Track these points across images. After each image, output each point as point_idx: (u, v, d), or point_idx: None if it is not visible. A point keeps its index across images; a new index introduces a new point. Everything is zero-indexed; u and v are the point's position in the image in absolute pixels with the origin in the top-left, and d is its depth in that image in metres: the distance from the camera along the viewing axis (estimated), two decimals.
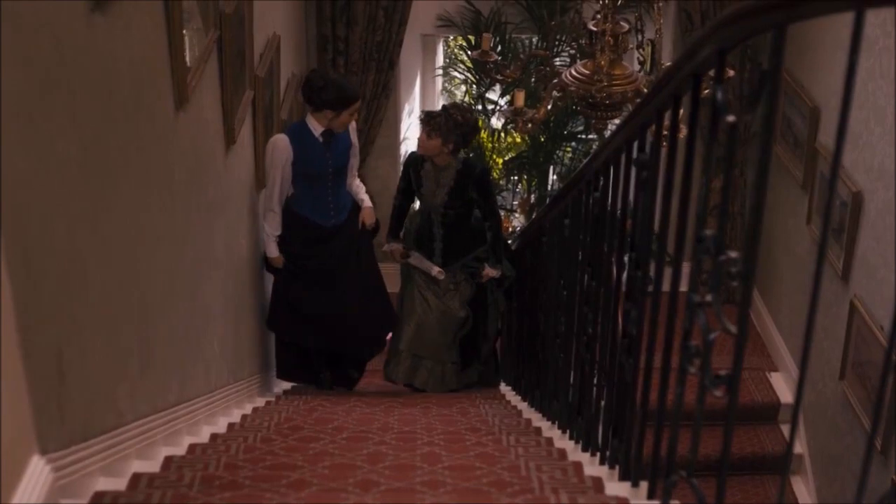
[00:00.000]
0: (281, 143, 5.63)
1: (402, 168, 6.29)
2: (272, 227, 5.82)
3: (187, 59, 3.83)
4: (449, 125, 5.82)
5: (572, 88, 4.89)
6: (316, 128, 5.67)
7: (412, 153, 6.33)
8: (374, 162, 8.03)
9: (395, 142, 8.29)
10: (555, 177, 9.32)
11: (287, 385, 6.67)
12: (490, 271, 6.28)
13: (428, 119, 5.89)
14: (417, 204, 6.51)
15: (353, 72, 7.38)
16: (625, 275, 3.12)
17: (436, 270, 6.27)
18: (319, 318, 6.07)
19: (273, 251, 5.88)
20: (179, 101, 3.80)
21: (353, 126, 5.88)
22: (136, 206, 3.30)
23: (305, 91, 5.63)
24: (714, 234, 2.04)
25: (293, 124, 5.95)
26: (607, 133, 6.23)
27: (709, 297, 2.10)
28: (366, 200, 6.16)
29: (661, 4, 4.95)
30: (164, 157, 3.67)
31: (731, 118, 1.94)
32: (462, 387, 6.53)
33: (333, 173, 5.84)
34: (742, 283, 1.93)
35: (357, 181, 6.18)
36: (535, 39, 8.45)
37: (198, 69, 4.03)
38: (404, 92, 8.37)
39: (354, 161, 6.06)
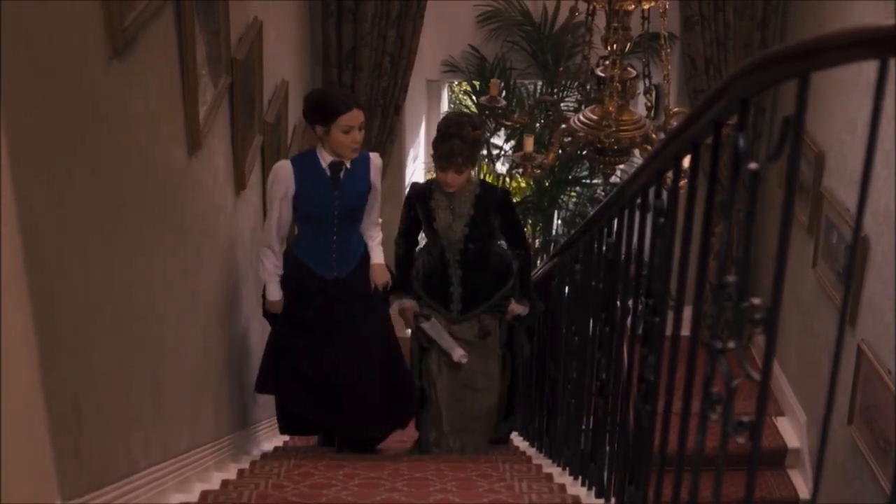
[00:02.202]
0: (282, 173, 4.69)
1: (405, 205, 5.26)
2: (272, 265, 4.88)
3: (200, 105, 3.86)
4: (474, 147, 4.92)
5: (581, 134, 4.92)
6: (324, 157, 4.70)
7: (415, 184, 5.42)
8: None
9: (401, 186, 8.31)
10: (559, 221, 9.34)
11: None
12: (516, 307, 5.27)
13: (452, 157, 4.85)
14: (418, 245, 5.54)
15: None
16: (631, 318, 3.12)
17: (458, 354, 5.18)
18: (319, 385, 5.03)
19: (275, 293, 4.92)
20: (192, 147, 3.82)
21: (375, 164, 4.87)
22: (150, 251, 3.31)
23: (303, 112, 4.78)
24: (736, 280, 2.05)
25: (301, 152, 5.08)
26: (614, 178, 6.26)
27: (731, 344, 2.10)
28: (377, 256, 5.06)
29: (668, 51, 4.98)
30: (177, 202, 3.69)
31: (753, 165, 1.95)
32: (501, 436, 5.74)
33: (340, 217, 4.79)
34: (766, 329, 1.93)
35: (376, 230, 5.08)
36: (539, 84, 8.50)
37: (210, 115, 4.06)
38: (409, 137, 8.41)
39: (375, 206, 4.98)
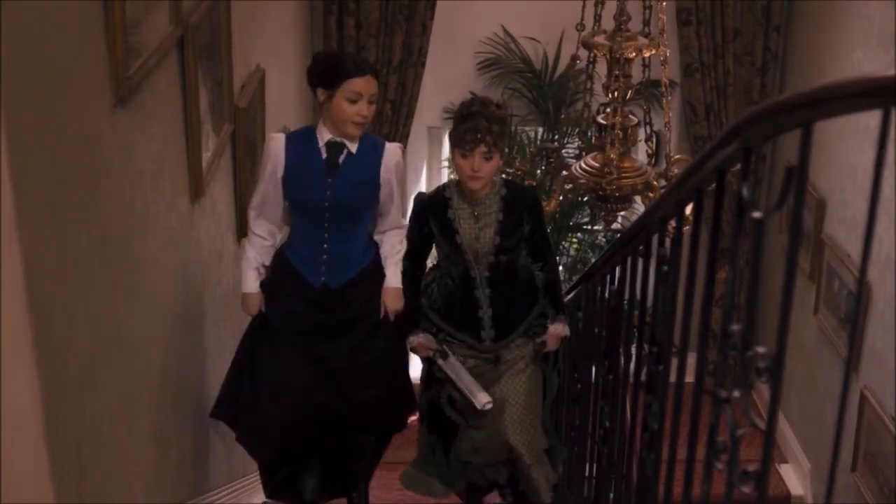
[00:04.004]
0: (273, 147, 3.94)
1: (412, 220, 4.28)
2: (254, 254, 4.06)
3: (203, 153, 3.88)
4: (503, 129, 4.02)
5: (582, 181, 4.93)
6: (322, 134, 3.92)
7: (422, 195, 4.36)
8: None
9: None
10: (560, 267, 9.34)
11: None
12: (558, 329, 4.29)
13: (478, 132, 3.94)
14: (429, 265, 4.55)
15: None
16: (635, 366, 3.11)
17: (482, 400, 4.15)
18: (294, 394, 4.07)
19: (251, 284, 4.05)
20: (195, 195, 3.83)
21: (392, 156, 4.00)
22: (153, 298, 3.31)
23: (308, 74, 3.94)
24: (741, 328, 2.04)
25: (302, 127, 4.23)
26: (616, 225, 6.27)
27: (736, 393, 2.09)
28: (393, 277, 4.17)
29: (669, 98, 5.00)
30: (180, 249, 3.69)
31: (757, 214, 1.95)
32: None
33: (332, 212, 3.93)
34: (771, 379, 1.92)
35: (396, 239, 4.19)
36: (540, 131, 8.53)
37: (213, 163, 4.07)
38: (410, 183, 8.42)
39: (392, 208, 4.11)
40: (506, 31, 8.12)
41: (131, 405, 3.08)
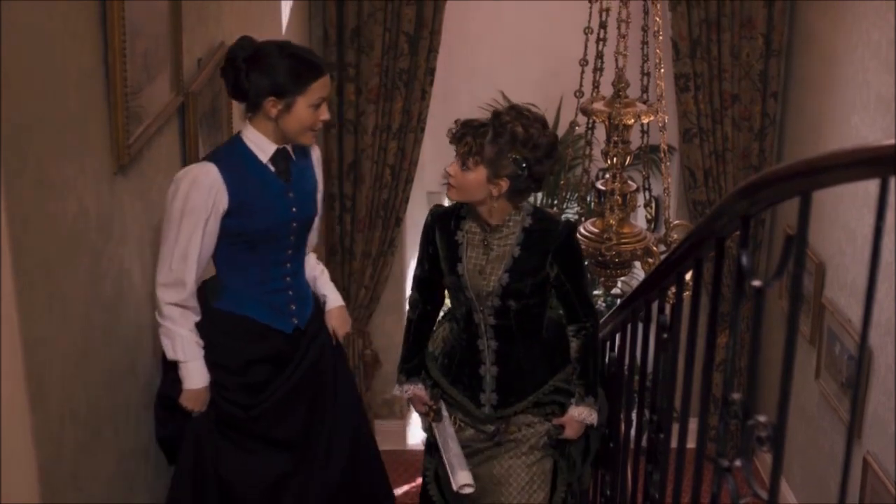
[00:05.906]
0: (206, 180, 3.04)
1: (422, 240, 3.65)
2: (189, 332, 3.10)
3: None
4: (501, 143, 3.25)
5: (582, 246, 4.93)
6: (262, 146, 3.15)
7: (436, 209, 3.69)
8: (379, 318, 8.04)
9: (401, 297, 8.32)
10: None
11: None
12: (582, 414, 3.48)
13: (462, 134, 3.33)
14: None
15: (360, 229, 7.45)
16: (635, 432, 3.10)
17: (460, 480, 3.47)
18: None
19: (202, 375, 3.11)
20: None
21: (317, 150, 3.39)
22: (151, 368, 3.29)
23: (229, 75, 3.12)
24: (742, 397, 2.03)
25: (217, 149, 3.35)
26: (615, 290, 6.26)
27: (738, 462, 2.08)
28: (334, 294, 3.50)
29: (668, 164, 5.02)
30: None
31: (757, 283, 1.95)
32: None
33: (297, 231, 3.26)
34: (773, 448, 1.91)
35: (313, 261, 3.51)
36: (540, 196, 8.55)
37: None
38: (410, 249, 8.43)
39: (317, 220, 3.44)
40: (504, 97, 8.16)
41: (129, 477, 3.05)
